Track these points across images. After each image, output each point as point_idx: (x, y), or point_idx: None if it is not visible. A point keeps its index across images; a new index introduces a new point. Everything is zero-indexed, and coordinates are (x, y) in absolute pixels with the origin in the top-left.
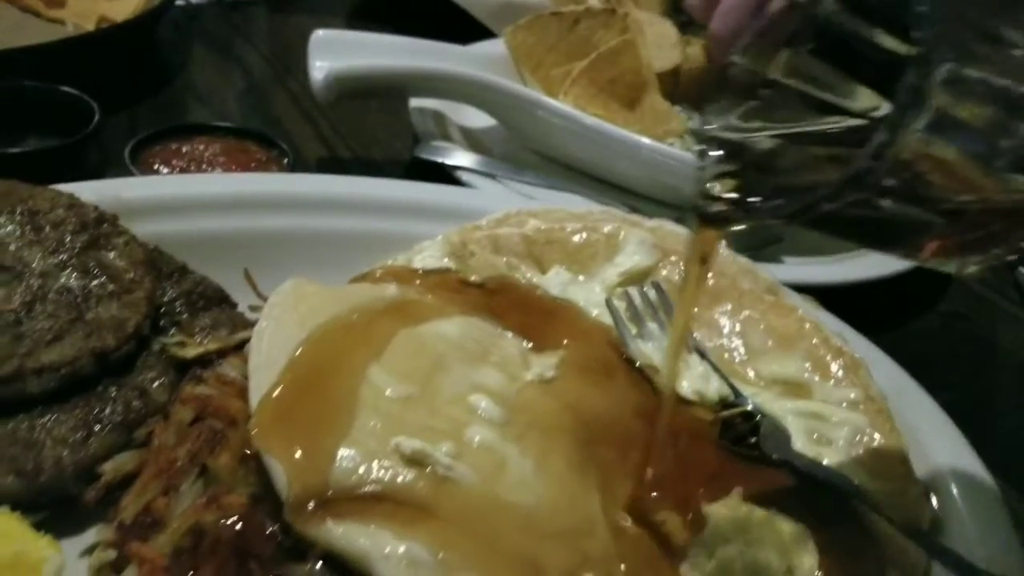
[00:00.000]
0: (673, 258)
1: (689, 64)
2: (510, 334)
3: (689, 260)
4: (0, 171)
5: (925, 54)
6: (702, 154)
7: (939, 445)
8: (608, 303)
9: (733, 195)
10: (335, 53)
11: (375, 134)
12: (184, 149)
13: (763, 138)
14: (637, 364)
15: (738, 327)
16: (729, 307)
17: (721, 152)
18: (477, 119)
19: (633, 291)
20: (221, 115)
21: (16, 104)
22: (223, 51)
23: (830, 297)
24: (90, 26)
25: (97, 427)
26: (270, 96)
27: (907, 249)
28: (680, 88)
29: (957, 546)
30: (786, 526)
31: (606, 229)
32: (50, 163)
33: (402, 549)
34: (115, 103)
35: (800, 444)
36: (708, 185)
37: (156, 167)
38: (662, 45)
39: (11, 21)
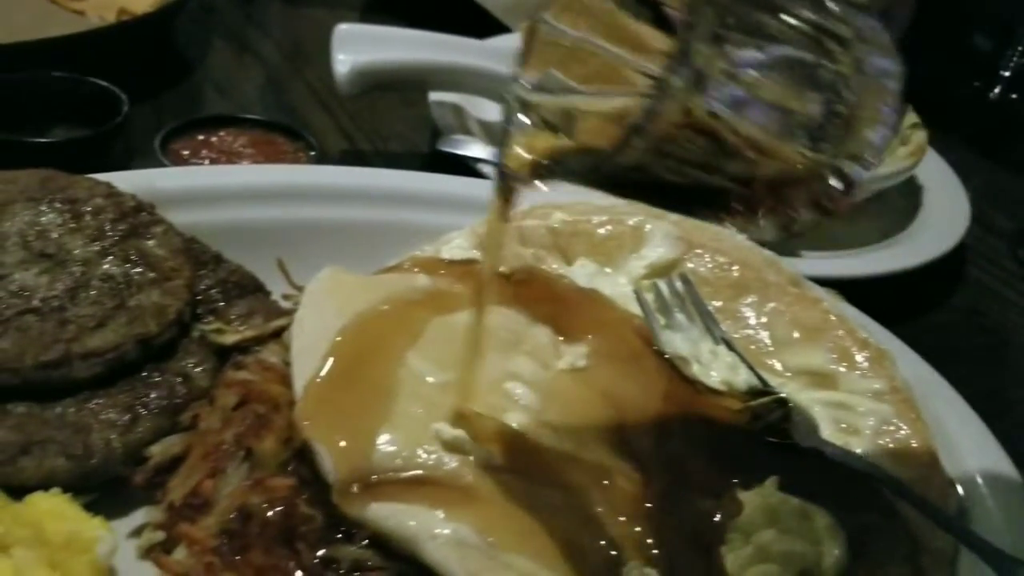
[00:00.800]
0: (699, 250)
1: None
2: (540, 324)
3: (491, 218)
4: (29, 161)
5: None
6: (512, 119)
7: (963, 435)
8: (637, 294)
9: (532, 158)
10: (358, 47)
11: (394, 127)
12: (212, 140)
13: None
14: (666, 355)
15: (764, 319)
16: (755, 299)
17: (528, 120)
18: (496, 113)
19: (661, 283)
20: (241, 107)
21: (43, 95)
22: (240, 44)
23: (846, 292)
24: (111, 18)
25: (143, 411)
26: (289, 88)
27: (709, 212)
28: None
29: (982, 531)
30: (819, 516)
31: (631, 221)
32: (78, 153)
33: (450, 530)
34: (137, 95)
35: (827, 433)
36: (513, 146)
37: (185, 158)
38: None
39: (33, 12)
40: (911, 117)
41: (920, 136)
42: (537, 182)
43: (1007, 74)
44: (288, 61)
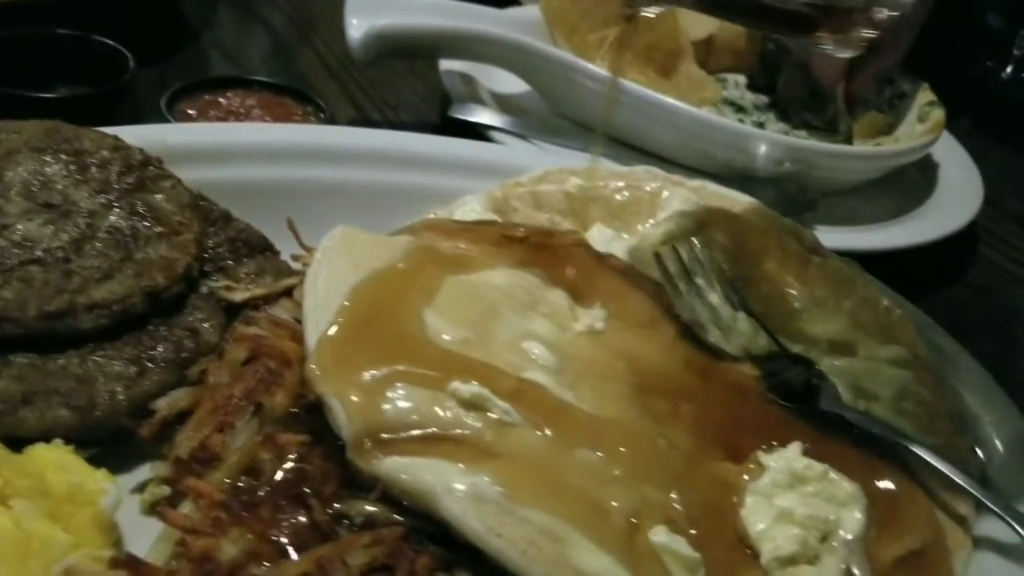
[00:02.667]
0: (716, 216)
1: (724, 34)
2: (556, 287)
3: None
4: (34, 116)
5: None
6: None
7: (983, 402)
8: (656, 258)
9: None
10: (372, 12)
11: (404, 96)
12: (220, 101)
13: None
14: (685, 320)
15: (783, 286)
16: (774, 266)
17: None
18: (508, 83)
19: (680, 248)
20: (249, 73)
21: (49, 52)
22: (248, 9)
23: (861, 265)
24: None
25: (150, 364)
26: (296, 55)
27: (798, 36)
28: (713, 57)
29: (1003, 496)
30: (842, 482)
31: (649, 187)
32: (84, 110)
33: (467, 485)
34: (144, 58)
35: (848, 399)
36: None
37: (192, 118)
38: (697, 13)
39: None
40: (928, 95)
41: (938, 113)
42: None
43: (1018, 53)
44: (297, 28)
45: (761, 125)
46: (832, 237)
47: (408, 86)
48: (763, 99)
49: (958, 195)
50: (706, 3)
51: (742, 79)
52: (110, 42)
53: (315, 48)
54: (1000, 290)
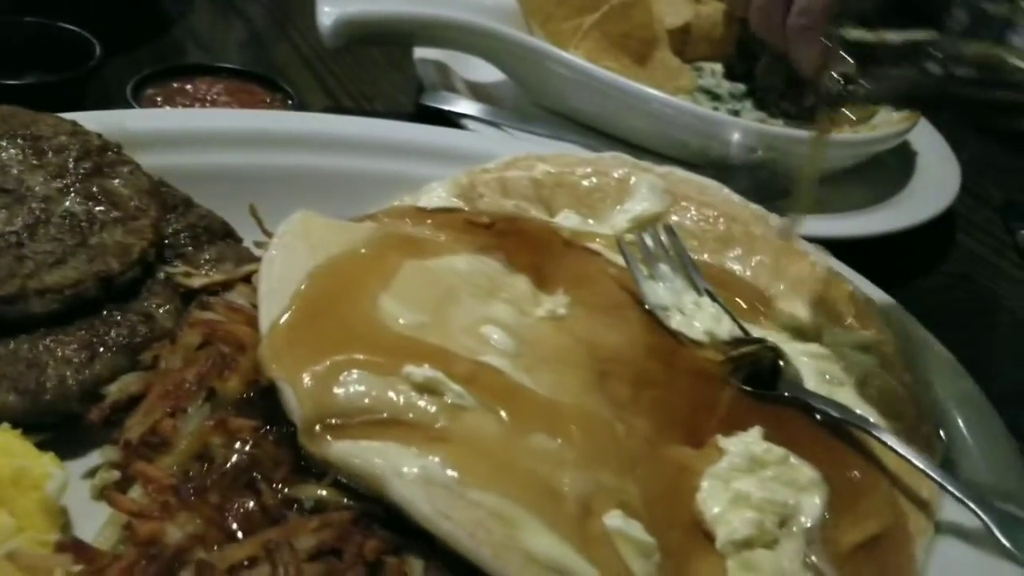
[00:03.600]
0: (684, 203)
1: (700, 22)
2: (519, 273)
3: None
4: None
5: None
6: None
7: (947, 384)
8: (620, 244)
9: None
10: None
11: (378, 86)
12: (187, 88)
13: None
14: (647, 306)
15: (749, 272)
16: (740, 251)
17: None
18: (482, 72)
19: (645, 234)
20: (223, 62)
21: (15, 39)
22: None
23: (840, 255)
24: None
25: (101, 349)
26: (272, 45)
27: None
28: (690, 46)
29: (966, 480)
30: (802, 467)
31: (617, 174)
32: (50, 97)
33: (417, 468)
34: (114, 47)
35: (812, 385)
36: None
37: (159, 104)
38: (673, 2)
39: None
40: None
41: None
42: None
43: None
44: (273, 19)
45: (736, 113)
46: (809, 225)
47: (384, 77)
48: (740, 88)
49: (935, 183)
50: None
51: (719, 67)
52: (76, 29)
53: (291, 39)
54: (978, 278)
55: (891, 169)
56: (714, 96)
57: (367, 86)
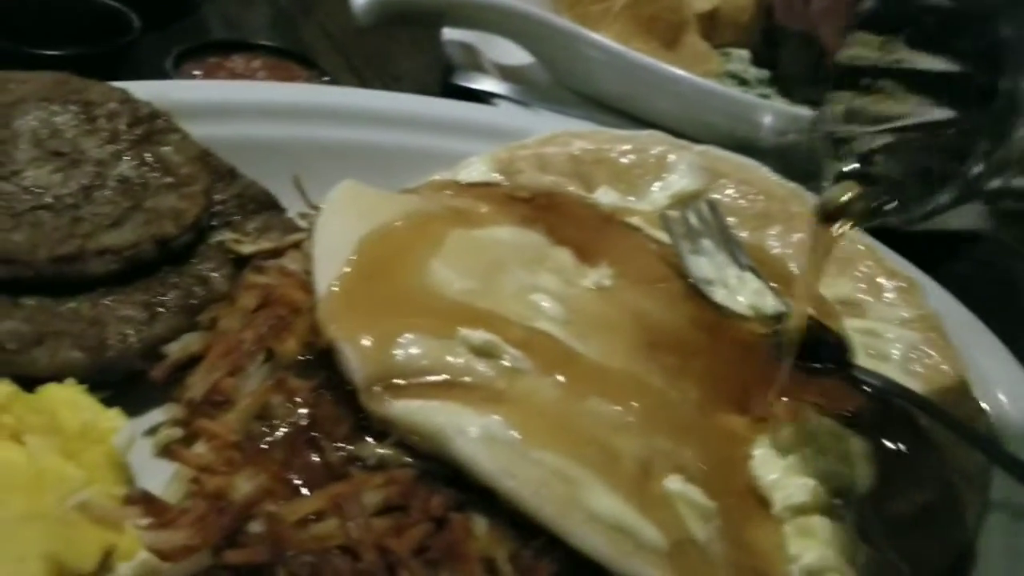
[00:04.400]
0: (723, 181)
1: (727, 7)
2: (562, 247)
3: (812, 250)
4: None
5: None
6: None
7: (990, 361)
8: (663, 218)
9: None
10: None
11: (405, 67)
12: (226, 64)
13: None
14: (691, 279)
15: (790, 249)
16: (780, 229)
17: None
18: (511, 54)
19: (688, 209)
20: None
21: (54, 13)
22: None
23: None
24: None
25: (161, 309)
26: (299, 25)
27: None
28: (717, 31)
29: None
30: (854, 439)
31: (655, 151)
32: (88, 69)
33: (479, 426)
34: (145, 25)
35: (858, 359)
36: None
37: (198, 79)
38: None
39: None
40: None
41: None
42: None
43: None
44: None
45: (765, 97)
46: None
47: (410, 58)
48: (765, 74)
49: None
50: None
51: (745, 53)
52: (114, 3)
53: (317, 19)
54: (1000, 265)
55: None
56: (741, 81)
57: (393, 66)
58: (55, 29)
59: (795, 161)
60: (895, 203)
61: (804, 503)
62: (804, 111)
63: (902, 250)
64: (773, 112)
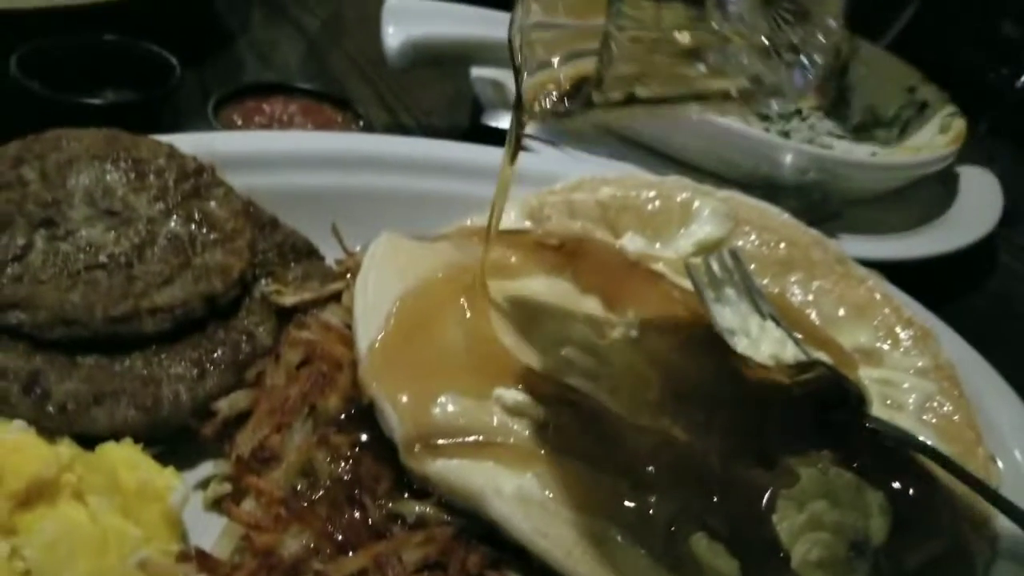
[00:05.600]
0: (746, 228)
1: None
2: (591, 295)
3: (504, 161)
4: (85, 122)
5: None
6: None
7: (1003, 412)
8: (688, 268)
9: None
10: (408, 21)
11: (434, 100)
12: (264, 107)
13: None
14: (715, 329)
15: (811, 296)
16: (801, 276)
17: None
18: None
19: (711, 258)
20: (284, 76)
21: (96, 57)
22: (280, 12)
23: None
24: None
25: (210, 366)
26: (329, 58)
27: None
28: None
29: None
30: (871, 492)
31: (680, 198)
32: (132, 116)
33: (514, 487)
34: (182, 60)
35: (874, 409)
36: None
37: (237, 124)
38: None
39: None
40: (949, 106)
41: (959, 124)
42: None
43: None
44: (328, 31)
45: (786, 134)
46: (856, 246)
47: (439, 89)
48: (788, 107)
49: (978, 204)
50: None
51: None
52: (155, 47)
53: (346, 51)
54: (1018, 298)
55: (936, 190)
56: (764, 117)
57: (423, 99)
58: (98, 74)
59: (815, 199)
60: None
61: (822, 558)
62: (825, 151)
63: (919, 283)
64: (793, 151)
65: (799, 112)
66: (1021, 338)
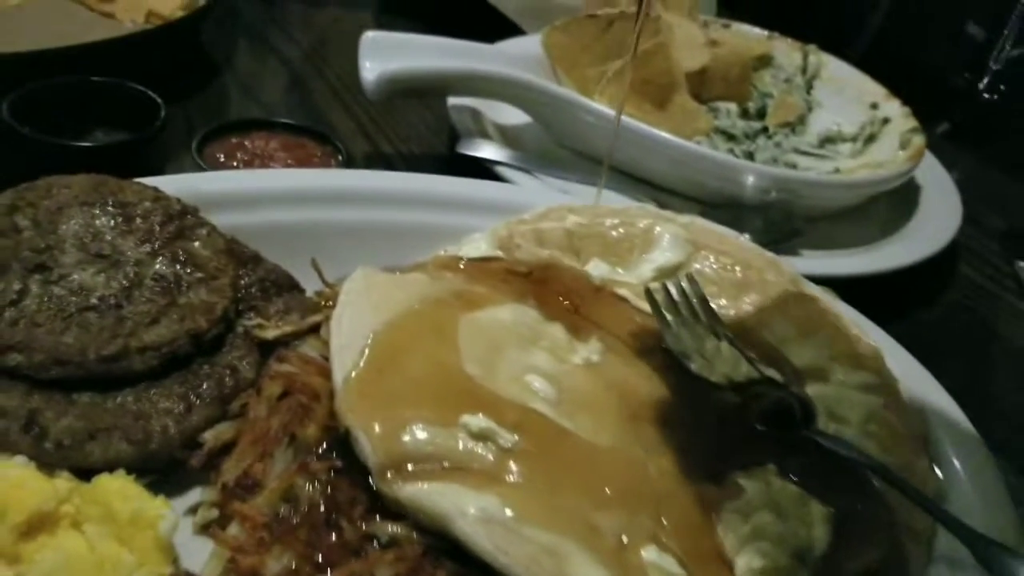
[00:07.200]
0: (705, 252)
1: (716, 64)
2: (556, 321)
3: None
4: (75, 163)
5: None
6: None
7: (944, 424)
8: (647, 294)
9: None
10: (384, 55)
11: (413, 128)
12: (246, 143)
13: None
14: (673, 351)
15: (765, 317)
16: (756, 298)
17: None
18: (512, 116)
19: (669, 283)
20: (267, 108)
21: (84, 98)
22: (263, 45)
23: (842, 289)
24: (140, 19)
25: (196, 400)
26: (311, 89)
27: None
28: (706, 87)
29: (959, 514)
30: (814, 503)
31: (642, 224)
32: (120, 156)
33: (477, 508)
34: (167, 97)
35: (820, 423)
36: None
37: (221, 161)
38: (690, 46)
39: (62, 15)
40: (910, 121)
41: (919, 140)
42: None
43: (996, 67)
44: (309, 61)
45: (751, 153)
46: (817, 263)
47: (417, 117)
48: (754, 126)
49: (937, 217)
50: None
51: (733, 107)
52: (141, 88)
53: (328, 80)
54: (977, 308)
55: (896, 204)
56: (729, 136)
57: (401, 127)
58: (86, 115)
59: (776, 218)
60: None
61: (764, 567)
62: (785, 171)
63: (880, 295)
64: (756, 173)
65: (765, 130)
66: (976, 346)
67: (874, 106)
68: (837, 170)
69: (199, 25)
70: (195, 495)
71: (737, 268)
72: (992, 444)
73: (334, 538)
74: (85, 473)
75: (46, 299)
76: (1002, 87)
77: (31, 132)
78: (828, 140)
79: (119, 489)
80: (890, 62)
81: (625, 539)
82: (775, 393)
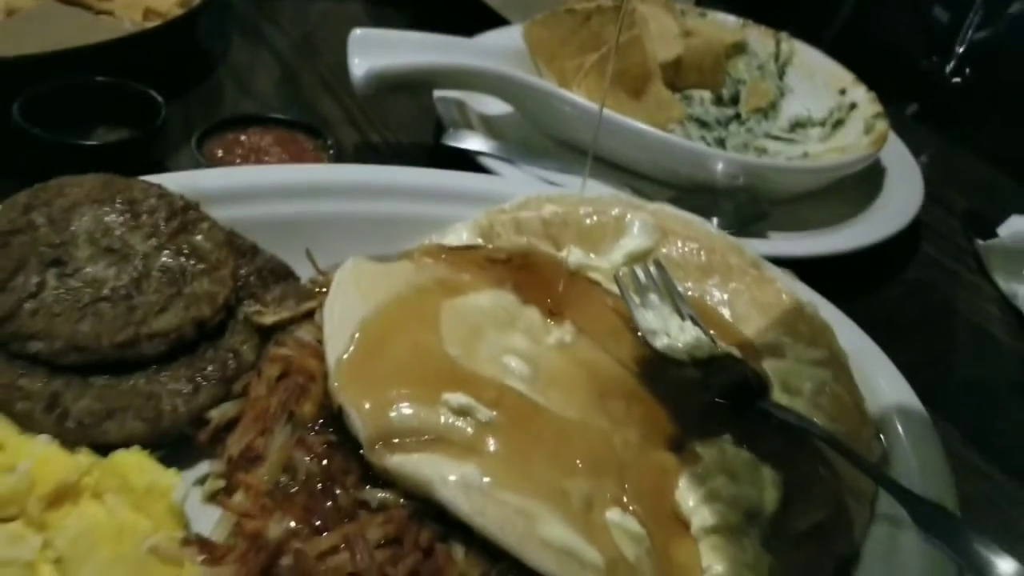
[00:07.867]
0: (672, 238)
1: (690, 54)
2: (532, 305)
3: None
4: (79, 161)
5: None
6: None
7: (890, 394)
8: (616, 278)
9: None
10: (372, 51)
11: (401, 119)
12: (242, 139)
13: None
14: (640, 332)
15: (726, 297)
16: (719, 279)
17: None
18: (495, 107)
19: (637, 268)
20: (262, 102)
21: (88, 98)
22: (256, 39)
23: (809, 268)
24: (138, 17)
25: (202, 382)
26: (303, 83)
27: None
28: (681, 76)
29: (900, 477)
30: (766, 468)
31: (614, 212)
32: (123, 153)
33: (457, 475)
34: (166, 94)
35: (775, 396)
36: None
37: (219, 156)
38: (665, 37)
39: (60, 15)
40: (876, 106)
41: (882, 126)
42: None
43: (961, 50)
44: (301, 55)
45: (722, 140)
46: (783, 245)
47: (404, 108)
48: (727, 113)
49: (900, 198)
50: None
51: (707, 95)
52: (143, 87)
53: (319, 73)
54: (934, 284)
55: (860, 186)
56: (702, 124)
57: (390, 118)
58: (92, 114)
59: (744, 201)
60: None
61: (716, 524)
62: (752, 159)
63: (842, 274)
64: (724, 160)
65: (738, 116)
66: (936, 321)
67: (842, 91)
68: (806, 154)
69: (196, 22)
70: (203, 467)
71: (702, 252)
72: (944, 415)
73: (329, 504)
74: (103, 449)
75: (63, 291)
76: (967, 70)
77: (41, 132)
78: (798, 125)
79: (135, 463)
80: (861, 45)
81: (591, 502)
82: (734, 368)
